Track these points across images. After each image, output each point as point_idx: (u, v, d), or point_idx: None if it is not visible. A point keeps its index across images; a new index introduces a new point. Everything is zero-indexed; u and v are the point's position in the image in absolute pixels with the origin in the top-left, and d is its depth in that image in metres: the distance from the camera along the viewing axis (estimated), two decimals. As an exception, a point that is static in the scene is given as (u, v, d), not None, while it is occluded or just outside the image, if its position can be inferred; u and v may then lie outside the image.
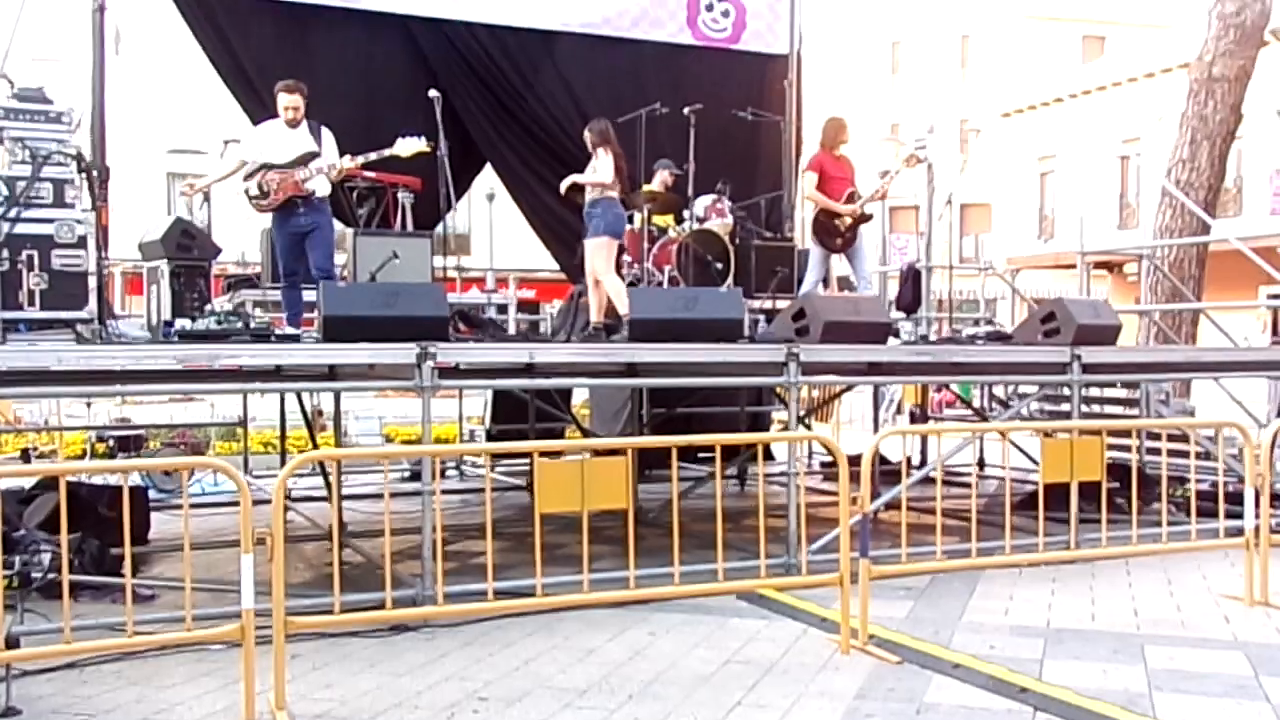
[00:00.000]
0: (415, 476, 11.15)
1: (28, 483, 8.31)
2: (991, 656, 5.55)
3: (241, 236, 12.50)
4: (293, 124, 8.22)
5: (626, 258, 10.88)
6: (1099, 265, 24.03)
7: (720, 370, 7.37)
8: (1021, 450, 10.32)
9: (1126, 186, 28.79)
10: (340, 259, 9.80)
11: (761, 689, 5.12)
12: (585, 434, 12.23)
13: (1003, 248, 31.08)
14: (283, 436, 10.49)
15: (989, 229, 34.21)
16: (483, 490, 11.33)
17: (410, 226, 10.59)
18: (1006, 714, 4.75)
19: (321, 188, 8.29)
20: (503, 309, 11.81)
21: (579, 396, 14.49)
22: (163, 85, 27.70)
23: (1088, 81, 29.60)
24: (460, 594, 6.10)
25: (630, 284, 10.78)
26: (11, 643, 4.98)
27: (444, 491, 11.12)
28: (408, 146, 8.35)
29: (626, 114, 11.18)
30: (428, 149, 8.43)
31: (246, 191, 8.19)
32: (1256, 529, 6.54)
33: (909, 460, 11.73)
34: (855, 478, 5.69)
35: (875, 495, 8.72)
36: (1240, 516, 6.63)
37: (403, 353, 6.23)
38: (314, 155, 8.14)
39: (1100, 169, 28.88)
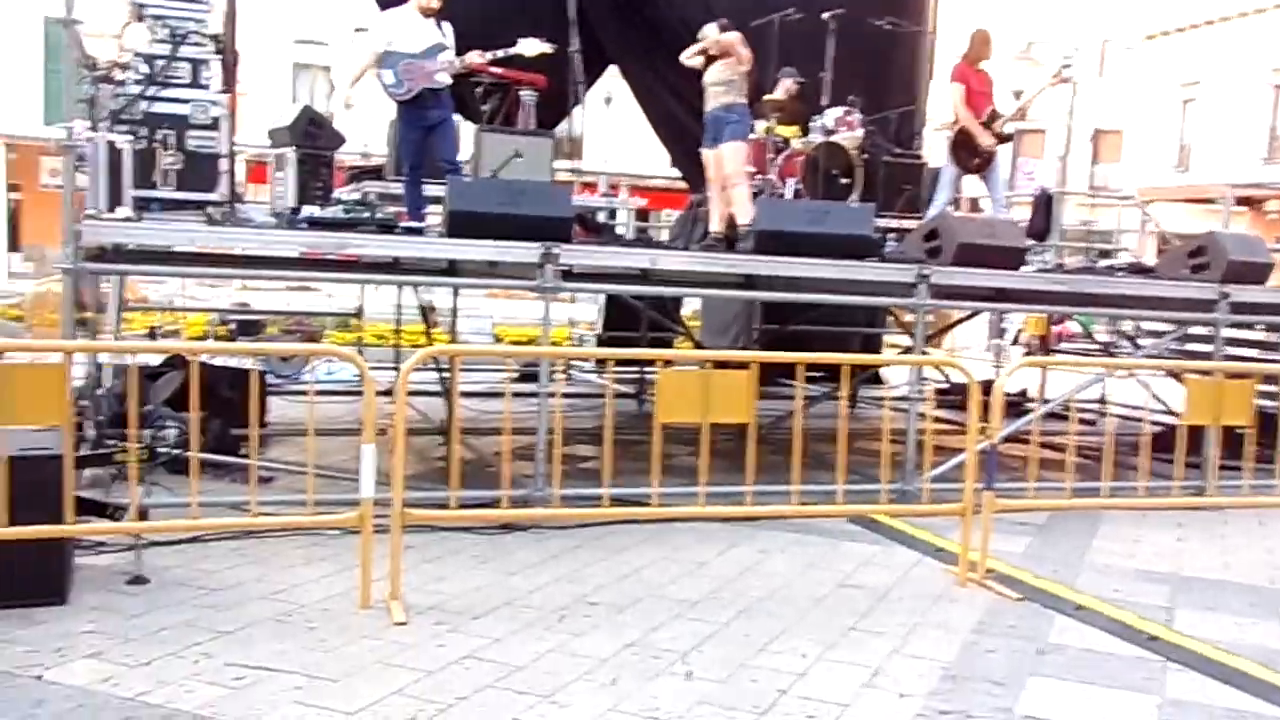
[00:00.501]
0: (524, 378, 11.22)
1: (154, 360, 8.52)
2: (1117, 600, 5.35)
3: (365, 128, 12.55)
4: (428, 13, 8.05)
5: (749, 168, 10.63)
6: (1239, 201, 22.91)
7: (846, 288, 7.15)
8: (1150, 390, 9.94)
9: (1278, 117, 27.22)
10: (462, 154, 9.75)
11: (876, 615, 5.01)
12: (696, 345, 12.11)
13: (1134, 178, 29.79)
14: (398, 330, 10.58)
15: (1119, 158, 32.81)
16: (589, 395, 11.50)
17: (533, 125, 10.47)
18: (1136, 661, 4.56)
19: (445, 81, 8.14)
20: (612, 214, 11.68)
21: (688, 307, 14.35)
22: (289, -27, 27.81)
23: (1240, 4, 27.89)
24: (573, 498, 6.09)
25: (753, 195, 10.55)
26: (141, 514, 5.11)
27: (549, 394, 11.15)
28: (532, 46, 8.14)
29: (756, 19, 10.85)
30: (550, 50, 8.21)
31: (381, 78, 8.06)
32: None
33: (1024, 392, 11.46)
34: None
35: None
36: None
37: (527, 252, 6.14)
38: (443, 48, 7.98)
39: (1248, 98, 27.34)
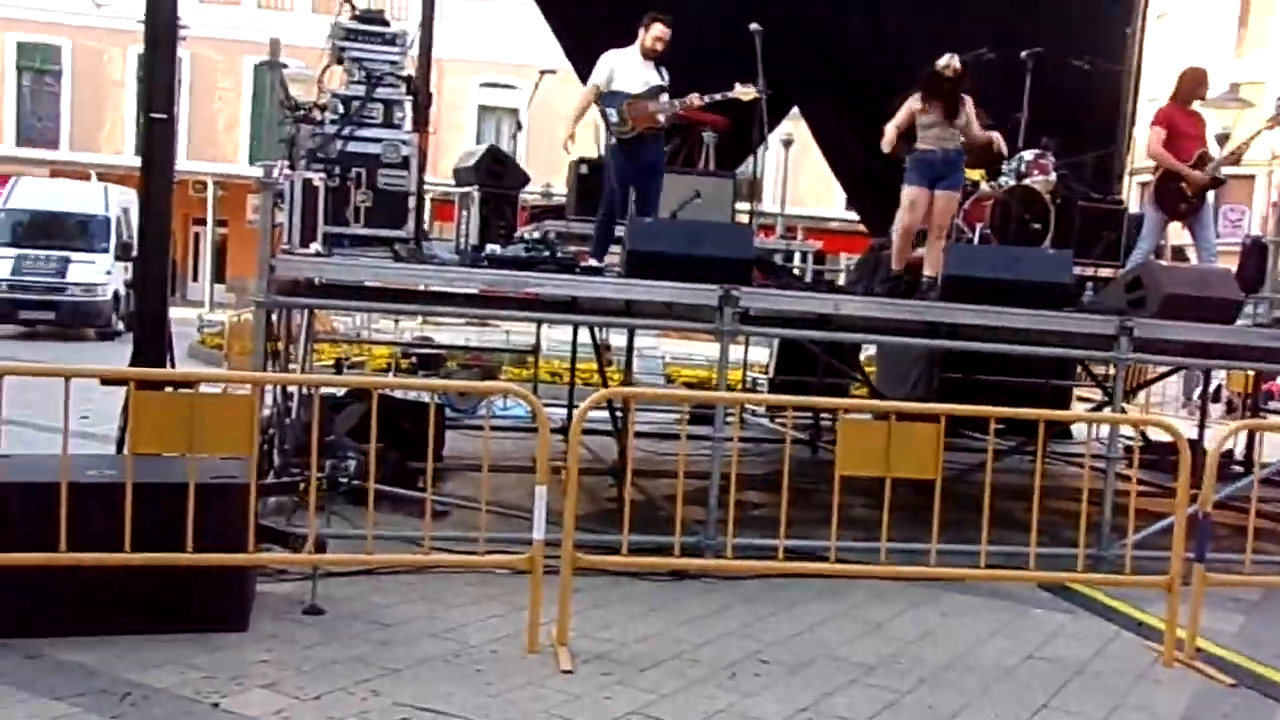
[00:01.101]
0: (696, 420, 11.10)
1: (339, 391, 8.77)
2: (1347, 694, 4.83)
3: (548, 168, 12.77)
4: (653, 55, 8.13)
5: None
6: None
7: (1040, 339, 6.77)
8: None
9: None
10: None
11: (1070, 692, 4.65)
12: (873, 392, 11.77)
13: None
14: (573, 368, 10.62)
15: (1336, 205, 30.67)
16: (761, 440, 11.28)
17: (713, 166, 10.42)
18: (1373, 767, 4.09)
19: (664, 122, 8.16)
20: (789, 257, 11.48)
21: (864, 352, 14.01)
22: (479, 21, 28.81)
23: None
24: (746, 548, 5.90)
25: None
26: (320, 545, 5.18)
27: (725, 439, 11.01)
28: (747, 91, 8.10)
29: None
30: (761, 94, 8.15)
31: (607, 115, 8.13)
32: None
33: (1230, 454, 10.68)
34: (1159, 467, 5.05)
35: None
36: None
37: (705, 294, 6.04)
38: (662, 89, 8.03)
39: None
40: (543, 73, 9.59)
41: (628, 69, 7.94)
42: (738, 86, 7.96)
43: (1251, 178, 29.07)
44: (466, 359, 13.78)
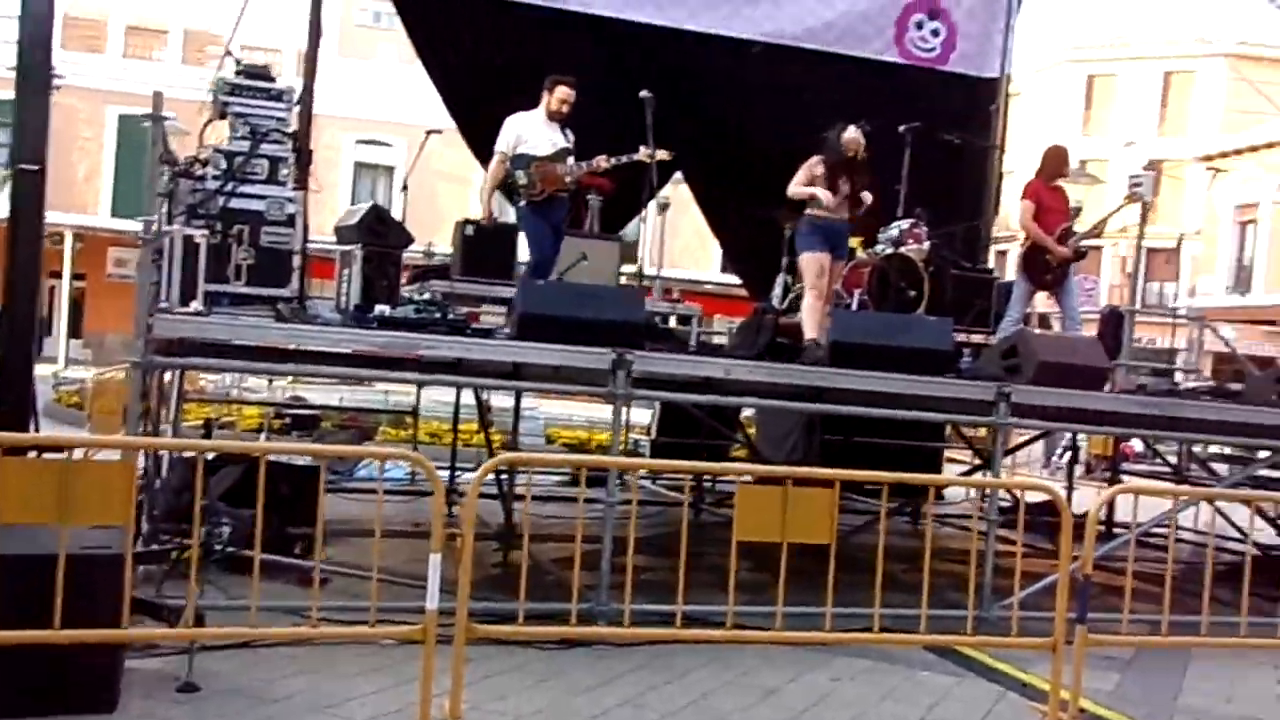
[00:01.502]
0: (575, 482, 11.03)
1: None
2: (1220, 750, 5.00)
3: (429, 228, 12.63)
4: (558, 118, 8.20)
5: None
6: (1298, 324, 22.63)
7: (921, 404, 6.94)
8: (1226, 517, 9.56)
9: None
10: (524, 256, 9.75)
11: (962, 756, 4.70)
12: (754, 453, 11.88)
13: (1192, 298, 29.47)
14: (455, 430, 10.47)
15: (1175, 276, 32.51)
16: (646, 503, 11.24)
17: (597, 229, 10.47)
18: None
19: (571, 184, 8.25)
20: (667, 319, 11.57)
21: (744, 413, 14.16)
22: (356, 78, 28.58)
23: (1302, 128, 27.87)
24: (640, 613, 5.82)
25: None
26: (199, 618, 4.93)
27: (622, 502, 10.94)
28: (653, 154, 8.23)
29: (820, 130, 10.86)
30: (669, 157, 8.28)
31: (514, 180, 8.17)
32: None
33: (1094, 516, 11.05)
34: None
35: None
36: None
37: (598, 358, 6.02)
38: (570, 152, 8.10)
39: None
40: (429, 132, 9.52)
41: (534, 132, 8.03)
42: (643, 149, 8.08)
43: (1099, 249, 30.62)
44: (343, 419, 13.45)
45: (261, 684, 4.92)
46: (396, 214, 10.02)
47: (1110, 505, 10.92)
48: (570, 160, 8.06)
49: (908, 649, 6.14)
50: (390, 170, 31.81)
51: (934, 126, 10.96)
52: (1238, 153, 29.59)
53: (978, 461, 11.63)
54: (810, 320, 7.66)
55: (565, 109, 8.11)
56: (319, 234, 11.07)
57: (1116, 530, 10.00)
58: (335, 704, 4.76)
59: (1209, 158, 30.70)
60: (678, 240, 13.97)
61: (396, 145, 31.05)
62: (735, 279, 26.84)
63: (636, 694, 5.20)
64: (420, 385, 11.47)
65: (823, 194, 7.87)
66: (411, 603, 4.80)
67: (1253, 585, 6.06)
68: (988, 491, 7.16)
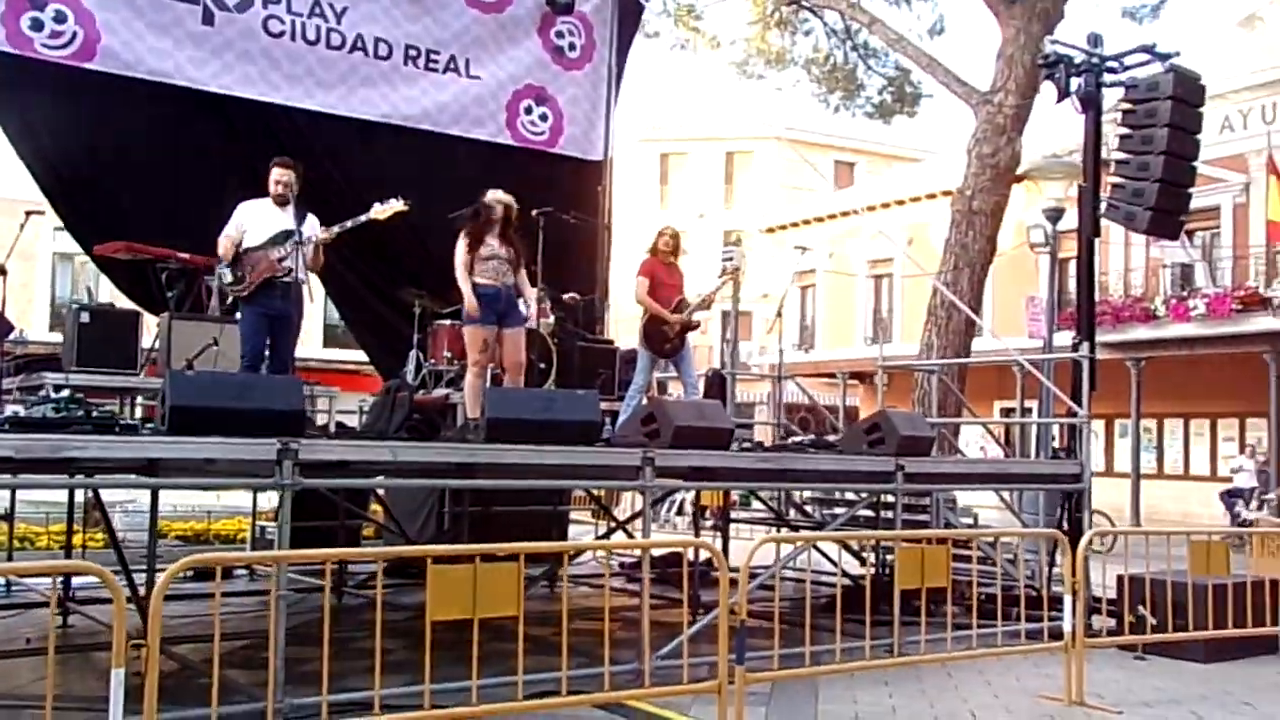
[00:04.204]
0: (203, 576, 10.44)
1: None
2: (863, 762, 5.70)
3: (17, 314, 11.54)
4: (282, 201, 7.83)
5: (447, 353, 10.75)
6: (852, 375, 25.70)
7: (574, 473, 7.34)
8: (826, 557, 10.78)
9: (879, 303, 30.89)
10: (147, 343, 9.25)
11: (652, 802, 5.06)
12: (385, 531, 11.84)
13: (765, 356, 32.56)
14: (69, 531, 9.61)
15: (749, 337, 35.78)
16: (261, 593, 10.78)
17: (218, 310, 10.10)
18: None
19: (299, 269, 7.85)
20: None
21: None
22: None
23: (843, 204, 31.75)
24: (314, 707, 5.70)
25: (449, 381, 10.65)
26: None
27: (231, 594, 10.42)
28: (385, 210, 8.06)
29: (444, 210, 11.17)
30: (406, 208, 8.11)
31: (220, 277, 7.75)
32: (1073, 632, 7.05)
33: (709, 562, 12.02)
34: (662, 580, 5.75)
35: (699, 603, 8.86)
36: (1029, 620, 7.24)
37: (262, 449, 5.89)
38: (289, 234, 7.74)
39: (856, 286, 30.92)
40: (29, 214, 8.80)
41: (258, 219, 7.78)
42: (375, 206, 8.01)
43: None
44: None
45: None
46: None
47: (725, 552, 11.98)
48: (290, 241, 7.80)
49: (574, 710, 6.43)
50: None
51: (541, 205, 11.63)
52: (794, 225, 33.19)
53: (604, 521, 12.29)
54: (471, 398, 7.88)
55: (281, 189, 7.91)
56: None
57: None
58: None
59: (770, 230, 34.19)
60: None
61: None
62: (340, 354, 26.44)
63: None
64: (13, 490, 10.45)
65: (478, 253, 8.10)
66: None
67: (844, 612, 6.95)
68: (639, 551, 7.65)
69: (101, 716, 5.25)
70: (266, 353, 7.93)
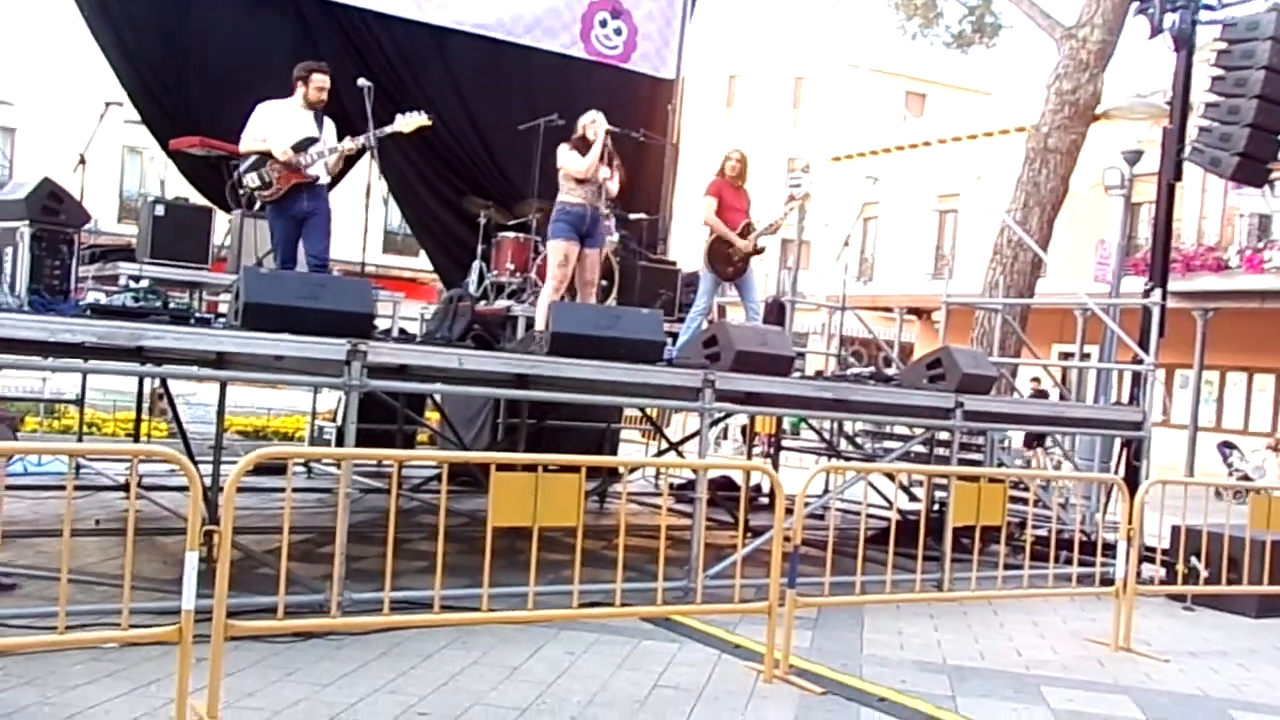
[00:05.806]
0: (267, 471, 10.67)
1: None
2: (907, 690, 5.76)
3: (96, 205, 11.70)
4: (314, 106, 7.91)
5: (510, 265, 10.79)
6: (910, 310, 25.43)
7: (635, 391, 7.37)
8: (878, 490, 10.79)
9: (943, 239, 30.46)
10: (220, 240, 9.36)
11: (699, 715, 5.15)
12: (443, 438, 12.00)
13: (821, 286, 32.30)
14: (138, 419, 9.86)
15: (808, 266, 35.48)
16: (327, 490, 11.06)
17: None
18: (945, 748, 4.94)
19: (322, 174, 8.03)
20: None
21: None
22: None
23: (911, 136, 31.18)
24: (373, 603, 5.87)
25: (511, 294, 10.70)
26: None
27: (296, 490, 10.68)
28: (409, 122, 8.13)
29: (513, 122, 11.14)
30: (429, 122, 8.18)
31: (246, 184, 7.86)
32: (1125, 579, 7.03)
33: (759, 487, 12.10)
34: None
35: (748, 526, 8.93)
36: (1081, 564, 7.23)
37: (332, 349, 5.98)
38: (313, 140, 7.84)
39: (919, 220, 30.46)
40: (109, 104, 8.88)
41: (283, 122, 7.84)
42: (399, 119, 8.07)
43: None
44: (-11, 408, 12.22)
45: (-18, 701, 4.57)
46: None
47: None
48: (314, 149, 7.89)
49: (627, 621, 6.56)
50: (11, 131, 28.83)
51: (613, 122, 11.53)
52: (860, 155, 32.69)
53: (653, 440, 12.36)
54: (544, 312, 7.94)
55: (323, 96, 7.97)
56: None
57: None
58: (76, 714, 4.51)
59: (836, 159, 33.69)
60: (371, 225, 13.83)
61: (14, 104, 28.11)
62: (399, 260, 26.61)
63: (389, 680, 5.26)
64: (83, 375, 10.71)
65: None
66: (117, 604, 4.73)
67: (896, 546, 6.98)
68: (690, 472, 7.70)
69: (169, 597, 5.50)
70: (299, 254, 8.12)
